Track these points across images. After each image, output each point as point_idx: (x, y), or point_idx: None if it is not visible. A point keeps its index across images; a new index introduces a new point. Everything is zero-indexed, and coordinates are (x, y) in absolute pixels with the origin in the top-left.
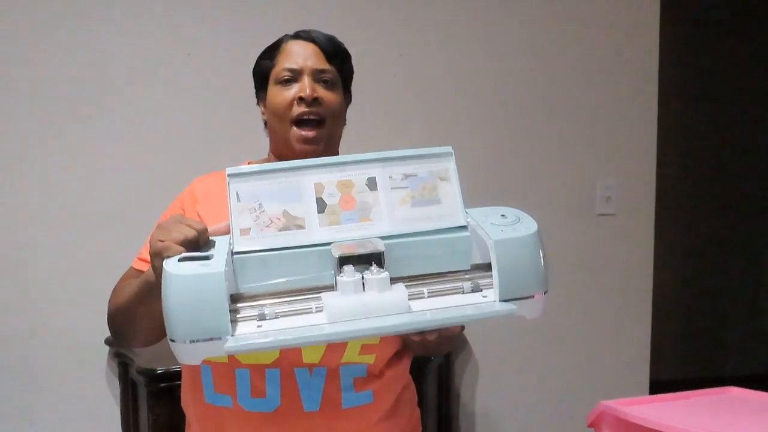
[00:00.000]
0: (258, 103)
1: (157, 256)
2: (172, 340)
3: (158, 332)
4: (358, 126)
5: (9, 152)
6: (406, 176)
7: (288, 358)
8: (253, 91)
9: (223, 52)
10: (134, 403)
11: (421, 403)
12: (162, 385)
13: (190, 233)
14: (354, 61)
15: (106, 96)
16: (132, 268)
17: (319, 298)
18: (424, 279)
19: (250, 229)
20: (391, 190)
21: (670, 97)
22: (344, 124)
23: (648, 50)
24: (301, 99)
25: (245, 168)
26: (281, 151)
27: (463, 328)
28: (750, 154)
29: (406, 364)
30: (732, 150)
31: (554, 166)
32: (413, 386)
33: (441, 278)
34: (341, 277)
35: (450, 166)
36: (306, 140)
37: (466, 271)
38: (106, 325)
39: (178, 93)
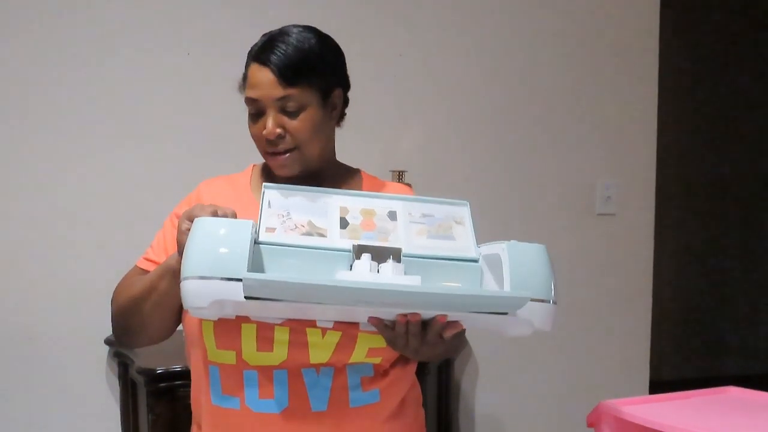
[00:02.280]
0: None
1: (188, 219)
2: (190, 278)
3: (169, 325)
4: (358, 126)
5: (9, 152)
6: (424, 215)
7: (295, 360)
8: None
9: (223, 52)
10: (134, 403)
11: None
12: (162, 385)
13: (224, 210)
14: (354, 62)
15: (106, 96)
16: (137, 267)
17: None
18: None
19: (275, 228)
20: (410, 223)
21: (669, 97)
22: (330, 133)
23: (648, 50)
24: (266, 139)
25: (281, 185)
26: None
27: (463, 331)
28: (750, 154)
29: (412, 364)
30: (732, 150)
31: (554, 166)
32: (419, 387)
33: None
34: (357, 261)
35: (465, 213)
36: (282, 166)
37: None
38: (106, 325)
39: (177, 93)
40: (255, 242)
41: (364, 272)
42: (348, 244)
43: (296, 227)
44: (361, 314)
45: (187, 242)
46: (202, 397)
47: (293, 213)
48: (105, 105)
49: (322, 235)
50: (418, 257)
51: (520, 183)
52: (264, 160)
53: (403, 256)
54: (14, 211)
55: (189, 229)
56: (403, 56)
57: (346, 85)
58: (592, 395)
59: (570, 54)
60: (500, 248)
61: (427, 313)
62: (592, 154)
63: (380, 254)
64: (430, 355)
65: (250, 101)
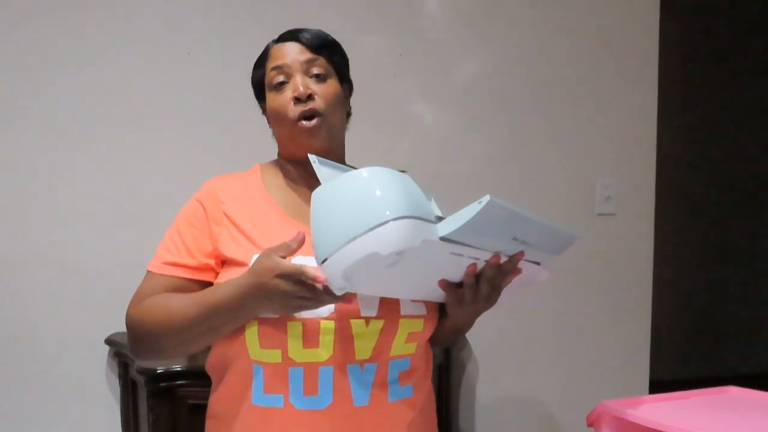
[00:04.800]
0: (263, 113)
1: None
2: (396, 218)
3: (203, 346)
4: (357, 126)
5: (9, 153)
6: None
7: (341, 356)
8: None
9: (223, 52)
10: (134, 403)
11: None
12: (162, 384)
13: (292, 245)
14: (354, 62)
15: (106, 96)
16: (156, 274)
17: None
18: None
19: None
20: None
21: (670, 97)
22: (347, 112)
23: (648, 50)
24: (296, 99)
25: (329, 161)
26: (289, 151)
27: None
28: (750, 153)
29: (430, 352)
30: (732, 150)
31: (554, 166)
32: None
33: None
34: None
35: None
36: (308, 131)
37: None
38: (106, 325)
39: (177, 93)
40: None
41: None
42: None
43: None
44: (434, 282)
45: (377, 187)
46: (238, 399)
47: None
48: (105, 105)
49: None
50: None
51: (520, 183)
52: (270, 162)
53: None
54: (15, 211)
55: (284, 276)
56: (403, 56)
57: (352, 87)
58: (592, 395)
59: (570, 54)
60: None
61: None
62: (592, 154)
63: None
64: (481, 311)
65: (277, 69)
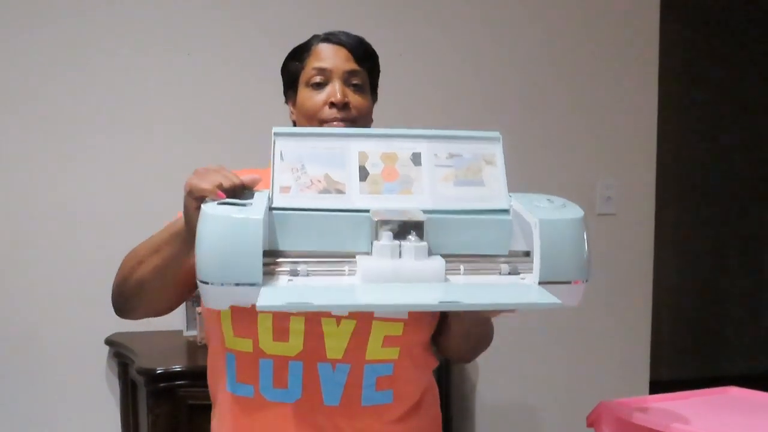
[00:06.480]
0: (286, 102)
1: (193, 197)
2: (203, 282)
3: (170, 297)
4: None
5: (9, 152)
6: (452, 155)
7: (311, 352)
8: (253, 90)
9: (224, 52)
10: (134, 403)
11: None
12: (162, 385)
13: (231, 180)
14: None
15: (106, 96)
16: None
17: (353, 261)
18: (461, 257)
19: (290, 187)
20: (435, 167)
21: (669, 98)
22: (372, 123)
23: (648, 50)
24: (332, 103)
25: (293, 129)
26: None
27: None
28: (750, 153)
29: (431, 364)
30: (732, 150)
31: (554, 166)
32: (436, 389)
33: (478, 259)
34: (378, 241)
35: (497, 150)
36: None
37: (504, 256)
38: (106, 325)
39: (178, 93)
40: (270, 208)
41: (385, 257)
42: (368, 202)
43: (312, 183)
44: None
45: (198, 241)
46: (218, 385)
47: (308, 165)
48: (105, 105)
49: (340, 191)
50: (444, 213)
51: (521, 183)
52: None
53: (429, 212)
54: (14, 211)
55: (197, 209)
56: (403, 56)
57: (376, 100)
58: (592, 395)
59: (570, 54)
60: (533, 222)
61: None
62: (592, 154)
63: (401, 230)
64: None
65: (318, 70)
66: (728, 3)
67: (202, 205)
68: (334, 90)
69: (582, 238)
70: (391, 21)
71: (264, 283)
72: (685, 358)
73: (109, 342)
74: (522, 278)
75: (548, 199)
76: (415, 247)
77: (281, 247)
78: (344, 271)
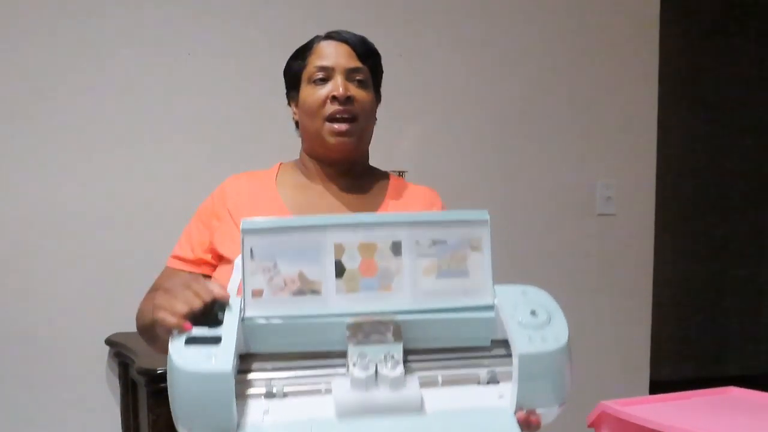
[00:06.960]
0: (289, 104)
1: (160, 328)
2: (181, 429)
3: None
4: None
5: (10, 152)
6: (435, 242)
7: None
8: (254, 90)
9: (224, 52)
10: (134, 403)
11: None
12: (162, 385)
13: (196, 304)
14: None
15: (106, 96)
16: (167, 267)
17: (329, 381)
18: (439, 358)
19: (262, 290)
20: (417, 257)
21: (669, 97)
22: (375, 121)
23: (648, 50)
24: (334, 98)
25: (262, 222)
26: (314, 149)
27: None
28: (749, 153)
29: None
30: (731, 150)
31: (554, 166)
32: None
33: (458, 358)
34: (354, 367)
35: (483, 234)
36: (339, 133)
37: (484, 352)
38: (106, 325)
39: (178, 93)
40: (241, 320)
41: (360, 389)
42: (344, 304)
43: (285, 285)
44: None
45: (169, 388)
46: None
47: (281, 262)
48: (105, 105)
49: (315, 292)
50: (424, 312)
51: (521, 183)
52: (292, 162)
53: (409, 312)
54: (15, 211)
55: (167, 334)
56: (403, 56)
57: (380, 99)
58: (592, 395)
59: (570, 54)
60: (514, 350)
61: None
62: (592, 154)
63: (378, 332)
64: None
65: (321, 67)
66: (728, 3)
67: (170, 346)
68: (336, 85)
69: (563, 369)
70: (391, 21)
71: (241, 414)
72: (685, 358)
73: (109, 342)
74: (500, 396)
75: (532, 311)
76: (391, 378)
77: (254, 350)
78: (320, 390)
